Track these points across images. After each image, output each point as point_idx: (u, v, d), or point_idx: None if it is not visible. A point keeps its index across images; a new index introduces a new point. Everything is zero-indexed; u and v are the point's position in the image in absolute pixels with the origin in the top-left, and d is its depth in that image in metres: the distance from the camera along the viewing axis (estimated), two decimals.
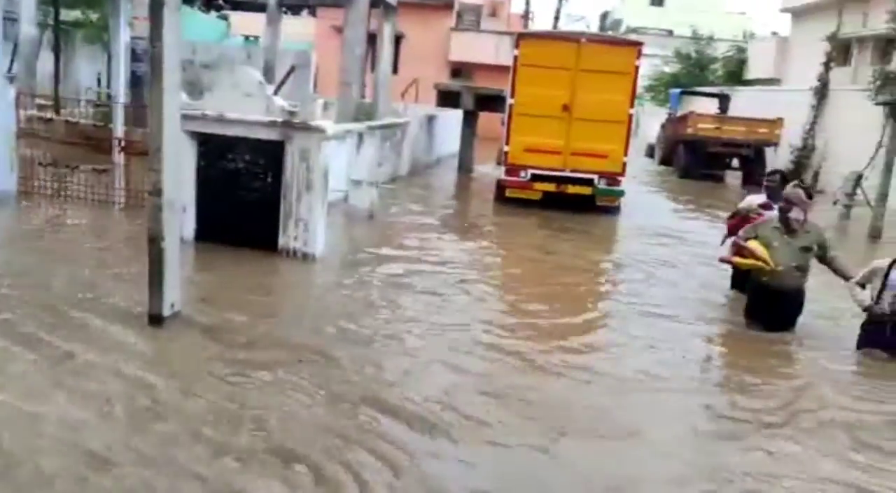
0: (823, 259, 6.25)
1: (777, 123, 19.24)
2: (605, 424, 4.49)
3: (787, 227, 6.16)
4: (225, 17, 29.94)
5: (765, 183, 7.72)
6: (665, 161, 22.08)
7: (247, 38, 28.85)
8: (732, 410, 4.81)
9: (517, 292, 7.52)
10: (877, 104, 14.41)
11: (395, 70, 21.01)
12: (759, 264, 6.09)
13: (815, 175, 19.61)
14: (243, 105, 7.37)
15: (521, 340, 5.82)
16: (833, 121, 19.48)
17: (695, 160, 19.81)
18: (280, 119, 7.35)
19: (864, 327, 5.93)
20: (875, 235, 12.16)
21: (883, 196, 12.29)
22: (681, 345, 6.00)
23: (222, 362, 4.83)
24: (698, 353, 6.04)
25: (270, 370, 4.75)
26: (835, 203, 14.80)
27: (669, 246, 10.43)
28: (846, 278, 6.12)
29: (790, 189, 6.20)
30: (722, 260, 6.61)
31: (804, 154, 20.35)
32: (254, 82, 7.48)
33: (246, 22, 28.95)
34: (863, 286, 5.93)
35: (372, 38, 13.82)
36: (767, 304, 6.27)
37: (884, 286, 5.76)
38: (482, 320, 6.27)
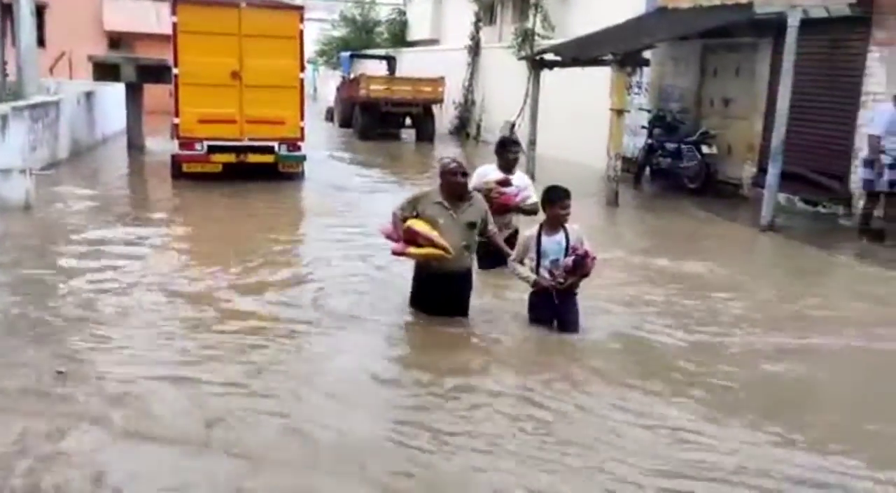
0: (484, 232, 5.71)
1: (439, 81, 20.61)
2: None
3: (453, 201, 5.49)
4: None
5: (509, 155, 6.97)
6: (344, 123, 22.63)
7: None
8: None
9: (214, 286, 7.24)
10: (519, 59, 16.04)
11: (41, 43, 18.90)
12: (438, 252, 5.32)
13: (478, 127, 21.45)
14: None
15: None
16: (487, 76, 21.34)
17: (371, 121, 20.56)
18: None
19: (531, 299, 5.65)
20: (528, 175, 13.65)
21: (532, 142, 13.80)
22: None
23: None
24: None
25: None
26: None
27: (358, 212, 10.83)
28: (505, 254, 5.77)
29: (458, 160, 5.63)
30: (396, 253, 5.62)
31: (466, 109, 22.13)
32: None
33: None
34: (521, 262, 5.59)
35: (8, 9, 12.29)
36: (436, 291, 5.62)
37: (539, 255, 5.48)
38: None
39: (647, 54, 12.29)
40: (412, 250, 5.41)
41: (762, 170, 10.91)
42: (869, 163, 8.84)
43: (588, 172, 13.68)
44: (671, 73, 14.03)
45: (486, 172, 6.89)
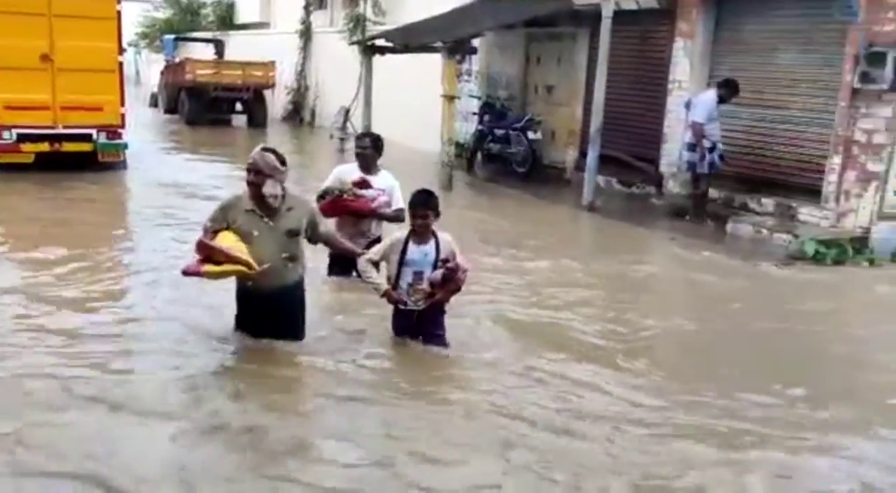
0: (315, 239, 4.87)
1: (270, 65, 20.14)
2: None
3: (265, 207, 4.56)
4: None
5: (356, 150, 6.12)
6: (170, 110, 21.59)
7: None
8: None
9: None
10: (350, 44, 16.02)
11: None
12: (240, 269, 4.42)
13: (313, 113, 21.20)
14: None
15: None
16: (320, 61, 21.11)
17: (199, 107, 19.78)
18: None
19: (393, 311, 4.99)
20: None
21: (367, 128, 13.85)
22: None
23: None
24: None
25: None
26: (331, 137, 16.30)
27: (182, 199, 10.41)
28: (353, 253, 5.07)
29: (256, 154, 4.53)
30: (186, 273, 4.49)
31: (300, 94, 21.79)
32: None
33: None
34: (377, 264, 4.90)
35: None
36: (257, 312, 4.78)
37: (402, 264, 4.77)
38: None
39: (475, 42, 12.66)
40: (207, 268, 4.42)
41: (583, 154, 11.57)
42: (692, 147, 9.51)
43: (424, 157, 13.89)
44: (498, 60, 14.52)
45: (344, 172, 6.09)
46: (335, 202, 5.85)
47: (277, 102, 21.66)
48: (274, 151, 4.58)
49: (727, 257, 8.18)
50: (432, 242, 4.80)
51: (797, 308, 6.63)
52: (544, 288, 6.67)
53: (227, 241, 4.48)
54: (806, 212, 9.05)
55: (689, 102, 9.80)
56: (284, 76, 21.07)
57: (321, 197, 5.88)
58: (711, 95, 9.41)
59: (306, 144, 18.28)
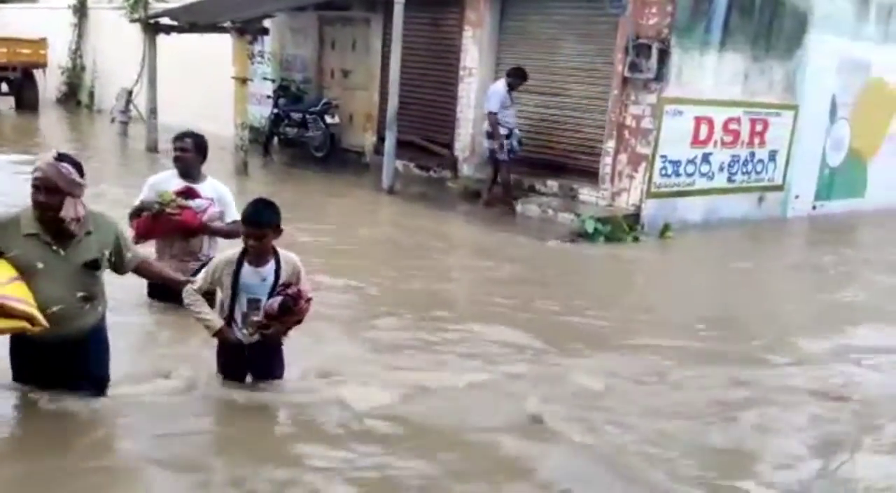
0: (121, 267, 3.80)
1: (41, 43, 18.42)
2: None
3: (57, 232, 3.47)
4: None
5: (175, 153, 5.16)
6: None
7: None
8: None
9: None
10: (132, 22, 15.01)
11: None
12: (20, 325, 3.31)
13: (91, 95, 19.66)
14: None
15: None
16: (98, 39, 19.57)
17: None
18: None
19: (218, 353, 4.15)
20: (152, 147, 12.96)
21: (153, 110, 13.09)
22: None
23: None
24: None
25: None
26: (112, 121, 15.21)
27: None
28: (175, 282, 4.10)
29: (47, 166, 3.40)
30: None
31: (75, 74, 20.10)
32: None
33: None
34: (209, 295, 4.05)
35: None
36: (46, 365, 3.68)
37: (235, 289, 3.92)
38: None
39: (266, 23, 12.32)
40: None
41: (381, 138, 11.67)
42: (489, 135, 9.77)
43: (215, 141, 13.01)
44: (291, 43, 14.23)
45: (162, 181, 5.16)
46: (156, 220, 4.92)
47: (51, 83, 19.84)
48: (71, 159, 3.50)
49: (517, 235, 8.70)
50: (271, 264, 3.94)
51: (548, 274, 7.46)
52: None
53: None
54: (585, 192, 9.72)
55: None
56: (57, 55, 19.34)
57: (135, 215, 4.97)
58: (501, 84, 9.79)
59: (84, 128, 16.94)
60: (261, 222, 3.83)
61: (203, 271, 4.08)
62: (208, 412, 4.19)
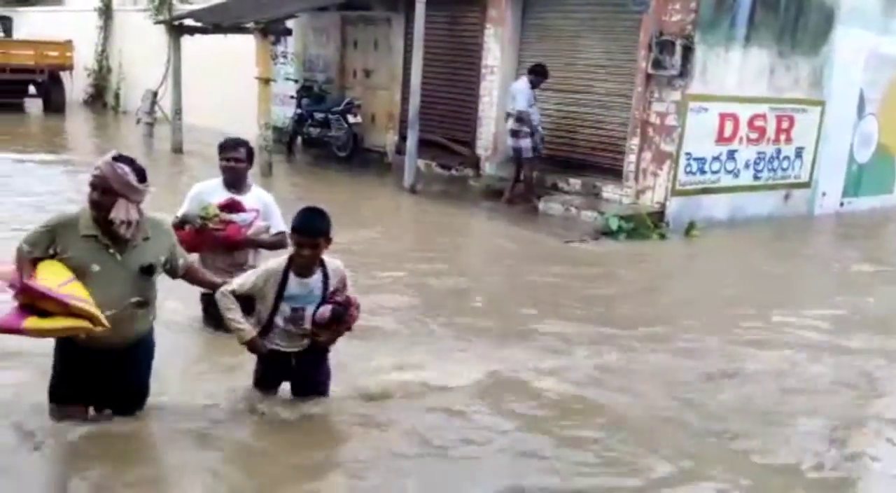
0: (174, 272, 3.76)
1: (67, 45, 18.66)
2: None
3: (112, 235, 3.37)
4: None
5: (224, 164, 4.84)
6: None
7: None
8: None
9: None
10: (156, 23, 15.15)
11: None
12: (82, 325, 3.17)
13: (117, 97, 19.88)
14: None
15: None
16: (124, 41, 19.78)
17: None
18: None
19: (258, 360, 3.99)
20: (177, 149, 13.08)
21: (178, 111, 13.20)
22: None
23: None
24: None
25: None
26: (137, 122, 15.35)
27: None
28: (213, 286, 3.98)
29: (105, 165, 3.34)
30: (1, 331, 3.23)
31: (101, 76, 20.34)
32: None
33: None
34: (249, 300, 3.91)
35: None
36: (93, 375, 3.54)
37: (279, 299, 3.79)
38: None
39: (289, 23, 12.38)
40: (31, 323, 3.11)
41: (403, 138, 11.68)
42: (514, 133, 9.72)
43: None
44: (314, 43, 14.29)
45: (206, 192, 4.84)
46: (199, 234, 4.68)
47: (77, 86, 20.09)
48: (131, 162, 3.40)
49: (541, 233, 8.68)
50: (318, 274, 3.80)
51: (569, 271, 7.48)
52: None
53: (50, 274, 3.18)
54: (609, 190, 9.67)
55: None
56: (83, 57, 19.58)
57: (178, 227, 4.57)
58: (524, 82, 9.75)
59: (110, 130, 17.14)
60: (313, 232, 3.70)
61: (242, 275, 3.93)
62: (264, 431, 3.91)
